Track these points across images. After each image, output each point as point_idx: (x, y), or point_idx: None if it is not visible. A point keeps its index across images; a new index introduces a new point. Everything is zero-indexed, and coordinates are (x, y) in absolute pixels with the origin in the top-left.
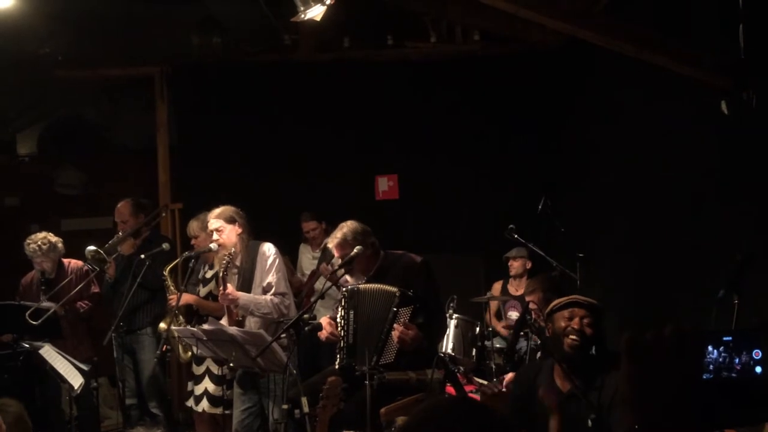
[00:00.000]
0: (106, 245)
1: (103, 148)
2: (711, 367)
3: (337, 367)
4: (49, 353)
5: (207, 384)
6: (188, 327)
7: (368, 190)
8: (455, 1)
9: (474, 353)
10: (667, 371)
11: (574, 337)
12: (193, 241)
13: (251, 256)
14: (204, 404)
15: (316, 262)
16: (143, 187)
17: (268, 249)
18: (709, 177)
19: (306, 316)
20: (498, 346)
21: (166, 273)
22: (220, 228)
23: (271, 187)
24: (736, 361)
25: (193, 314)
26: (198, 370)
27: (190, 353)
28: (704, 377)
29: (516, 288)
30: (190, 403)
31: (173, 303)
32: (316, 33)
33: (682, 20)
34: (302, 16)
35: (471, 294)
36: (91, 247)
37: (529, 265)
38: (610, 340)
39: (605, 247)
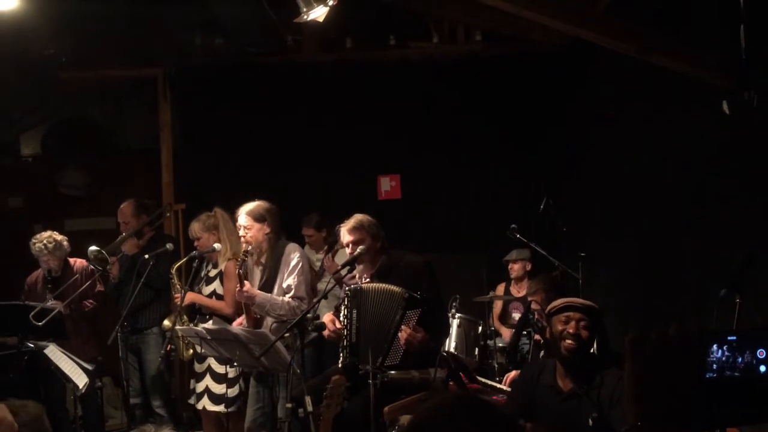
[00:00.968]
0: (109, 245)
1: (107, 148)
2: (714, 366)
3: (340, 366)
4: (54, 353)
5: (208, 382)
6: (192, 326)
7: (370, 190)
8: (457, 1)
9: (477, 352)
10: (672, 371)
11: (570, 341)
12: (195, 243)
13: (277, 256)
14: (204, 401)
15: (319, 264)
16: (147, 188)
17: (294, 251)
18: (711, 176)
19: (309, 315)
20: (501, 345)
21: (172, 272)
22: (248, 226)
23: (273, 187)
24: (739, 360)
25: (195, 312)
26: (200, 368)
27: (191, 351)
28: (707, 376)
29: (518, 290)
30: (192, 400)
31: (178, 302)
32: (319, 34)
33: (683, 20)
34: (305, 16)
35: (473, 293)
36: (94, 247)
37: (529, 267)
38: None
39: (607, 246)
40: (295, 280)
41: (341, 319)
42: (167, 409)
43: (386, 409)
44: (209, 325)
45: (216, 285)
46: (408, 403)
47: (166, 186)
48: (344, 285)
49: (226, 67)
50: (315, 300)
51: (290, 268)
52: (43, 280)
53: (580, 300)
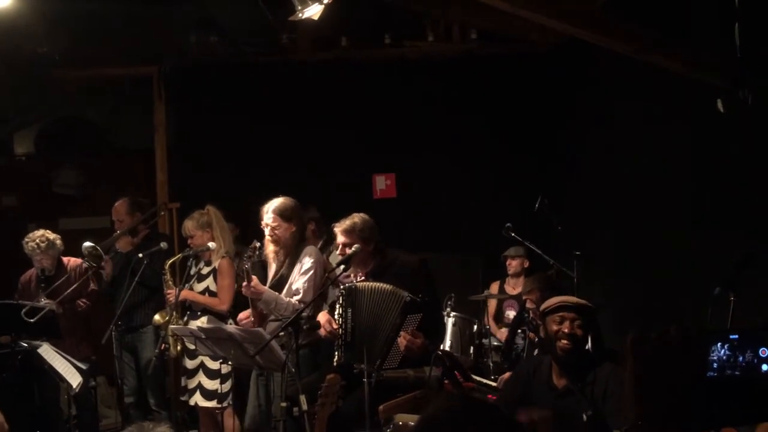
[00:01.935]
0: (103, 242)
1: (101, 147)
2: (715, 365)
3: (335, 364)
4: (48, 352)
5: (201, 378)
6: (186, 326)
7: (366, 188)
8: (456, 1)
9: (472, 351)
10: (672, 371)
11: (565, 341)
12: (189, 241)
13: (295, 256)
14: (197, 397)
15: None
16: (141, 187)
17: (311, 255)
18: (707, 175)
19: (304, 314)
20: (496, 343)
21: (166, 268)
22: (276, 225)
23: (268, 186)
24: (740, 359)
25: (185, 309)
26: (191, 364)
27: (180, 347)
28: (708, 375)
29: (513, 287)
30: (185, 397)
31: (171, 299)
32: (314, 32)
33: (679, 20)
34: (300, 15)
35: (469, 292)
36: (88, 243)
37: (527, 264)
38: (606, 338)
39: (602, 245)
40: (305, 285)
41: (336, 317)
42: (163, 407)
43: (381, 407)
44: (201, 322)
45: (209, 282)
46: (403, 402)
47: (160, 185)
48: (339, 284)
49: (222, 65)
50: (309, 300)
51: (302, 271)
52: (36, 279)
53: (574, 299)
